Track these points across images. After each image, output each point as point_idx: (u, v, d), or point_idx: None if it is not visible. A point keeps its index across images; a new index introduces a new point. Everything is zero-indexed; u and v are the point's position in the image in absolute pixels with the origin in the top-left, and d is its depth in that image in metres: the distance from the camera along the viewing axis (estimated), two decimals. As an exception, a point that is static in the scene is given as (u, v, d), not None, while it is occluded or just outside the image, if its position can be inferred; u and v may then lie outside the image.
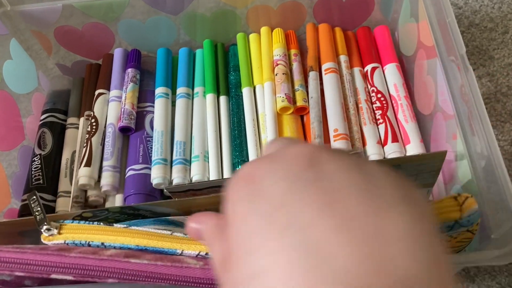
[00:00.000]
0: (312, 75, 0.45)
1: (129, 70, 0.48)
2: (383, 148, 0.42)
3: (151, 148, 0.43)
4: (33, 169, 0.44)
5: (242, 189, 0.18)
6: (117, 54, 0.49)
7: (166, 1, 0.46)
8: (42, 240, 0.29)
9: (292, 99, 0.44)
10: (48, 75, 0.52)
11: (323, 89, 0.45)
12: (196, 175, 0.42)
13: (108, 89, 0.48)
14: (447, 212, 0.26)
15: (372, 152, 0.41)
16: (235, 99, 0.46)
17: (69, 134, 0.47)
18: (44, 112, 0.48)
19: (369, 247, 0.14)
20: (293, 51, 0.48)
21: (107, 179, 0.42)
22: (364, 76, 0.47)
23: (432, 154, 0.31)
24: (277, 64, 0.46)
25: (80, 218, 0.34)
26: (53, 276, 0.26)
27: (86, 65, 0.51)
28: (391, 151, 0.41)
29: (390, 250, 0.14)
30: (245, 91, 0.46)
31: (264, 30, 0.49)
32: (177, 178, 0.42)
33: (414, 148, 0.41)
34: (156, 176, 0.41)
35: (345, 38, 0.49)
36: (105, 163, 0.43)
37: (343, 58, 0.47)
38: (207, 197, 0.33)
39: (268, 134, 0.43)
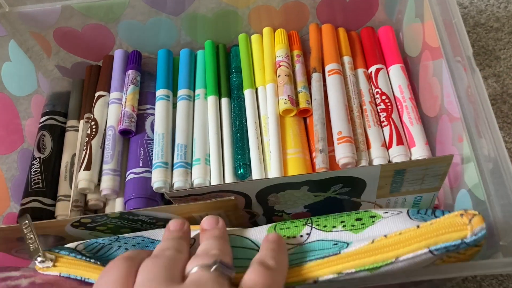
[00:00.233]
0: (315, 77, 0.45)
1: (130, 71, 0.47)
2: (387, 151, 0.41)
3: (152, 151, 0.43)
4: (32, 172, 0.43)
5: None
6: (117, 56, 0.49)
7: (166, 1, 0.45)
8: (35, 268, 0.28)
9: (295, 101, 0.43)
10: (48, 77, 0.51)
11: (326, 91, 0.44)
12: (197, 178, 0.41)
13: (108, 91, 0.47)
14: (452, 232, 0.24)
15: (377, 155, 0.41)
16: (237, 101, 0.45)
17: (69, 137, 0.46)
18: (43, 115, 0.47)
19: None
20: (296, 52, 0.47)
21: (107, 183, 0.42)
22: (368, 77, 0.46)
23: (439, 158, 0.31)
24: (280, 65, 0.45)
25: (79, 224, 0.33)
26: None
27: (86, 66, 0.51)
28: (396, 154, 0.41)
29: None
30: (247, 93, 0.45)
31: (266, 30, 0.49)
32: (178, 181, 0.41)
33: (419, 151, 0.41)
34: (157, 179, 0.41)
35: (348, 39, 0.49)
36: (105, 167, 0.43)
37: (346, 59, 0.46)
38: (208, 202, 0.32)
39: (270, 136, 0.42)
